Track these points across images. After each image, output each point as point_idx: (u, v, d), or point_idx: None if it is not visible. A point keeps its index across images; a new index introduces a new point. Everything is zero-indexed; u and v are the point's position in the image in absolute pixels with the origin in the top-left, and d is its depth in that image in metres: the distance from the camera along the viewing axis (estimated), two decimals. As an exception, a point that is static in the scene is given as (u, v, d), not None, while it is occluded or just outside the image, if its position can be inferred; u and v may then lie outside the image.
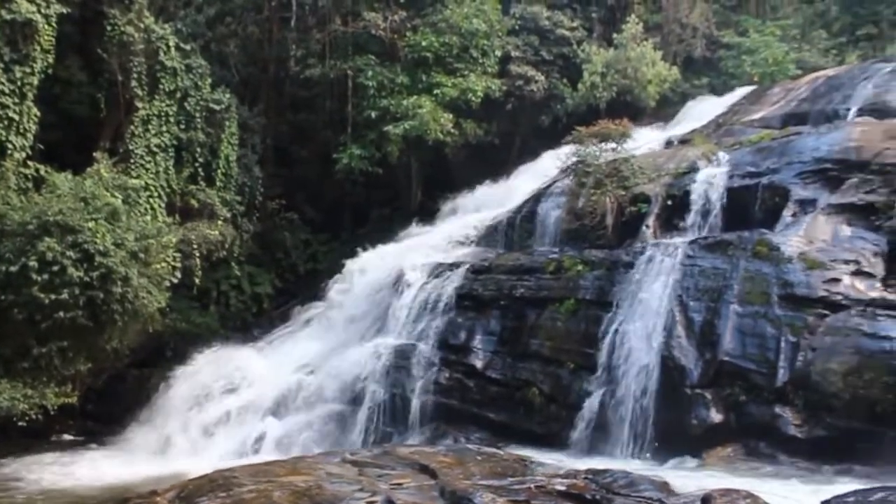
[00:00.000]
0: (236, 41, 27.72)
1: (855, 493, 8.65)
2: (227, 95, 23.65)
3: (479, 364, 17.55)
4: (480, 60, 26.30)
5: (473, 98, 25.54)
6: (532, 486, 8.89)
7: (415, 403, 17.49)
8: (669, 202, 18.37)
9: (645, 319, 15.57)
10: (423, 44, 25.56)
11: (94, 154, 20.70)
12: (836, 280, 14.45)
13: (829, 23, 32.02)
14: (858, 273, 14.63)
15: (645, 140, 22.43)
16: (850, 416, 13.06)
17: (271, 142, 27.56)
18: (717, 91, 28.26)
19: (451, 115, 25.12)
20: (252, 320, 24.99)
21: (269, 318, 24.68)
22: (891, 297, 13.96)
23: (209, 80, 23.27)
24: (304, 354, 20.42)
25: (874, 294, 14.13)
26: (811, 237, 15.46)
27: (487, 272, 18.80)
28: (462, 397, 17.44)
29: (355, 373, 18.29)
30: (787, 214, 16.53)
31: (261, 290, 25.54)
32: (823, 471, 12.65)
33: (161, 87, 21.83)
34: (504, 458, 11.28)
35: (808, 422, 13.44)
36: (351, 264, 22.10)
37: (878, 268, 14.87)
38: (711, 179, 18.17)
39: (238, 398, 19.26)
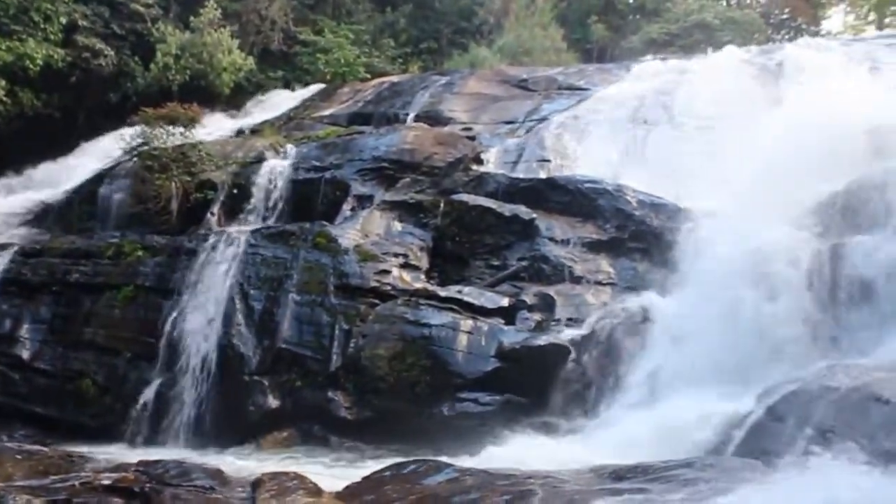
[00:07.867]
0: None
1: (390, 467, 9.33)
2: None
3: (25, 355, 16.32)
4: (42, 25, 24.26)
5: (32, 66, 23.54)
6: (76, 483, 8.43)
7: (-56, 401, 15.84)
8: (236, 190, 18.47)
9: (206, 307, 15.49)
10: (-28, 0, 23.11)
11: None
12: (387, 272, 15.43)
13: (397, 33, 34.23)
14: (406, 266, 15.78)
15: (216, 127, 22.40)
16: (393, 397, 13.96)
17: None
18: (291, 85, 28.98)
19: (4, 83, 22.99)
20: None
21: None
22: (432, 288, 15.23)
23: None
24: None
25: (418, 285, 15.33)
26: (367, 231, 16.44)
27: (39, 255, 17.47)
28: (6, 392, 16.12)
29: None
30: (346, 208, 17.48)
31: None
32: (369, 449, 13.37)
33: None
34: (49, 455, 10.59)
35: (358, 404, 14.17)
36: None
37: (424, 261, 16.20)
38: (277, 170, 18.60)
39: None
